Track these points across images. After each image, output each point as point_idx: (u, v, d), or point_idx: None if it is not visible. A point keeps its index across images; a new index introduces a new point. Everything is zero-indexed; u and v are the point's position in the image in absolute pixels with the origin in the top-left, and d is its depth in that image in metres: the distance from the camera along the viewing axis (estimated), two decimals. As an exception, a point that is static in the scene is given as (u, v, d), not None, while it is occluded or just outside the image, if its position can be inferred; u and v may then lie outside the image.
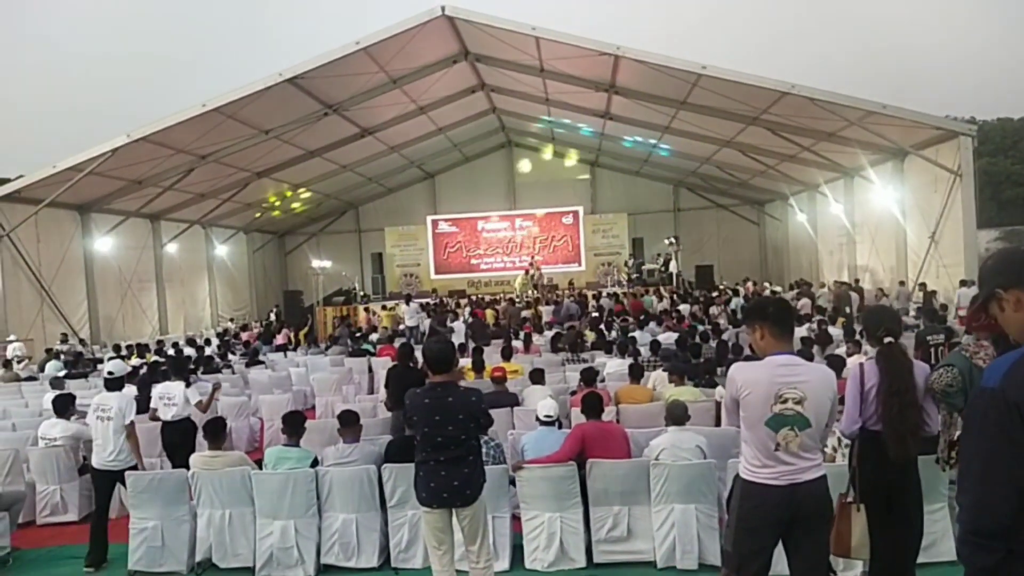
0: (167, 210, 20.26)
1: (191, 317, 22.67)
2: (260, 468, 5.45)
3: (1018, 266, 1.87)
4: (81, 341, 16.87)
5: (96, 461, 5.75)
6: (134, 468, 5.68)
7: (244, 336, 18.60)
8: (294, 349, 16.83)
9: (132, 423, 5.84)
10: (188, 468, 5.40)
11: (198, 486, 5.30)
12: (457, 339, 13.34)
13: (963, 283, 14.24)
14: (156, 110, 16.64)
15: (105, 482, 5.72)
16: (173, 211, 20.53)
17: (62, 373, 12.02)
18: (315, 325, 21.51)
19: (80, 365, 13.65)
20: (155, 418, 7.07)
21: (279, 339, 18.00)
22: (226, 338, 18.26)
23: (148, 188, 17.51)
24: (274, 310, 24.76)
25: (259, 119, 16.01)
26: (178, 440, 6.82)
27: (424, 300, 19.10)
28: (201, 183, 18.79)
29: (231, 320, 23.63)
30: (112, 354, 13.87)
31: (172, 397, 6.99)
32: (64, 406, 6.89)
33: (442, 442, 3.94)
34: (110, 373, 6.18)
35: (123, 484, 5.51)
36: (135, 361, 12.58)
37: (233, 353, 15.03)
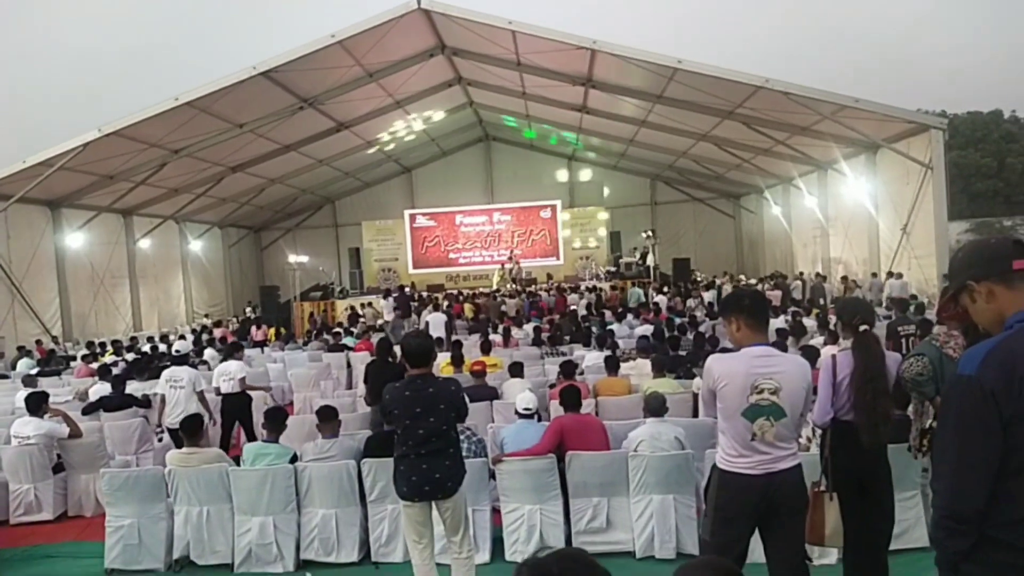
0: (140, 205, 19.97)
1: (165, 313, 22.37)
2: (238, 464, 5.43)
3: (988, 259, 1.93)
4: (53, 338, 16.61)
5: (169, 423, 7.26)
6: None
7: (217, 332, 18.35)
8: (265, 344, 16.65)
9: (202, 391, 7.54)
10: (243, 433, 5.54)
11: (175, 483, 5.25)
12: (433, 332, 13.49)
13: (890, 275, 14.99)
14: (127, 104, 16.40)
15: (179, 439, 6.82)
16: (146, 206, 20.22)
17: (35, 371, 11.84)
18: (292, 321, 21.39)
19: (52, 363, 13.45)
20: (217, 392, 8.23)
21: (257, 335, 17.82)
22: (201, 334, 18.05)
23: (120, 183, 17.22)
24: (248, 306, 24.52)
25: (233, 113, 15.81)
26: (234, 409, 8.10)
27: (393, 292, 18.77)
28: (174, 178, 18.52)
29: (206, 316, 23.38)
30: (85, 351, 13.69)
31: (230, 374, 8.18)
32: (37, 404, 6.79)
33: (423, 435, 3.95)
34: (177, 351, 8.12)
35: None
36: (109, 358, 12.42)
37: (212, 347, 14.86)
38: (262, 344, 16.48)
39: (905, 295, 12.99)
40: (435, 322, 14.81)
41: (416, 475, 3.97)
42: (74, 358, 14.00)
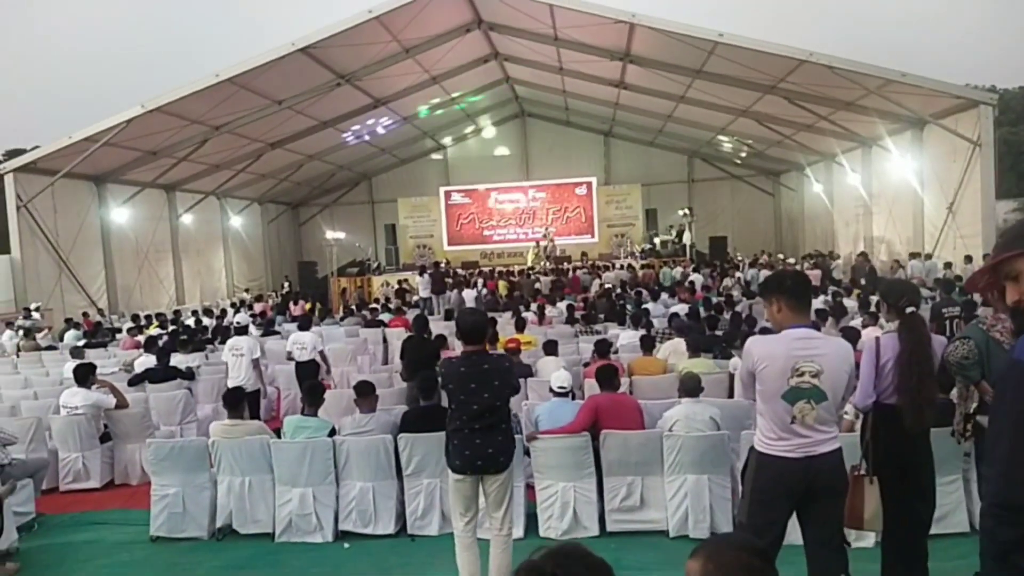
0: (182, 181, 20.32)
1: (207, 287, 22.84)
2: (278, 437, 5.55)
3: None
4: (99, 311, 17.06)
5: (231, 384, 7.61)
6: (257, 392, 7.97)
7: (257, 307, 18.65)
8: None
9: (257, 359, 8.07)
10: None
11: (218, 454, 5.39)
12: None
13: (913, 256, 14.94)
14: (170, 80, 16.66)
15: (239, 400, 7.46)
16: (188, 182, 20.58)
17: (81, 343, 12.18)
18: (329, 297, 21.63)
19: (99, 335, 13.81)
20: (290, 358, 9.16)
21: (295, 310, 18.03)
22: (240, 309, 18.34)
23: (163, 159, 17.55)
24: (286, 281, 24.81)
25: (272, 89, 15.96)
26: (307, 375, 8.59)
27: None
28: (215, 154, 18.81)
29: (246, 291, 23.77)
30: (130, 324, 14.02)
31: (304, 344, 8.96)
32: (85, 375, 6.99)
33: (478, 410, 4.01)
34: (238, 323, 9.16)
35: (251, 403, 7.36)
36: (154, 331, 12.72)
37: (252, 323, 15.11)
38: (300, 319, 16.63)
39: (935, 275, 12.81)
40: (468, 298, 14.97)
41: (469, 449, 4.02)
42: (119, 330, 14.36)
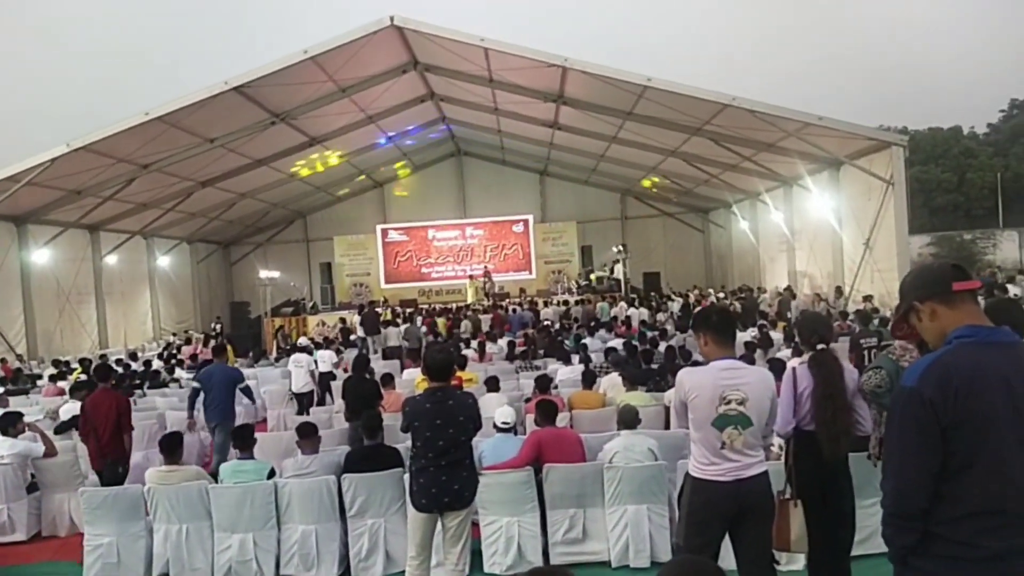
0: (107, 220, 19.71)
1: (132, 331, 22.05)
2: (216, 482, 5.45)
3: (930, 281, 2.15)
4: (18, 356, 16.32)
5: (295, 388, 10.50)
6: (312, 392, 10.52)
7: (187, 351, 17.99)
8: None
9: (313, 370, 10.72)
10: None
11: (154, 501, 5.27)
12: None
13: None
14: (98, 120, 16.29)
15: (304, 400, 10.32)
16: (113, 221, 19.96)
17: (0, 390, 11.63)
18: (263, 338, 21.19)
19: (20, 382, 13.23)
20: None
21: (186, 350, 17.29)
22: (170, 352, 17.76)
23: (88, 198, 17.03)
24: (216, 323, 24.11)
25: (204, 128, 15.75)
26: (324, 383, 11.04)
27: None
28: (143, 193, 18.35)
29: (174, 335, 23.03)
30: (52, 370, 13.48)
31: (324, 359, 11.47)
32: (11, 423, 6.73)
33: (443, 446, 4.04)
34: (301, 343, 12.47)
35: (308, 401, 10.40)
36: (78, 377, 12.25)
37: (180, 367, 14.68)
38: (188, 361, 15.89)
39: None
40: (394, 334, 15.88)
41: (436, 487, 4.05)
42: (40, 376, 13.77)
